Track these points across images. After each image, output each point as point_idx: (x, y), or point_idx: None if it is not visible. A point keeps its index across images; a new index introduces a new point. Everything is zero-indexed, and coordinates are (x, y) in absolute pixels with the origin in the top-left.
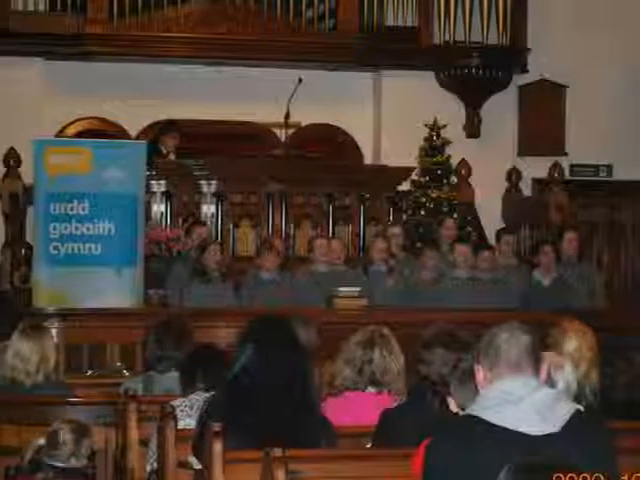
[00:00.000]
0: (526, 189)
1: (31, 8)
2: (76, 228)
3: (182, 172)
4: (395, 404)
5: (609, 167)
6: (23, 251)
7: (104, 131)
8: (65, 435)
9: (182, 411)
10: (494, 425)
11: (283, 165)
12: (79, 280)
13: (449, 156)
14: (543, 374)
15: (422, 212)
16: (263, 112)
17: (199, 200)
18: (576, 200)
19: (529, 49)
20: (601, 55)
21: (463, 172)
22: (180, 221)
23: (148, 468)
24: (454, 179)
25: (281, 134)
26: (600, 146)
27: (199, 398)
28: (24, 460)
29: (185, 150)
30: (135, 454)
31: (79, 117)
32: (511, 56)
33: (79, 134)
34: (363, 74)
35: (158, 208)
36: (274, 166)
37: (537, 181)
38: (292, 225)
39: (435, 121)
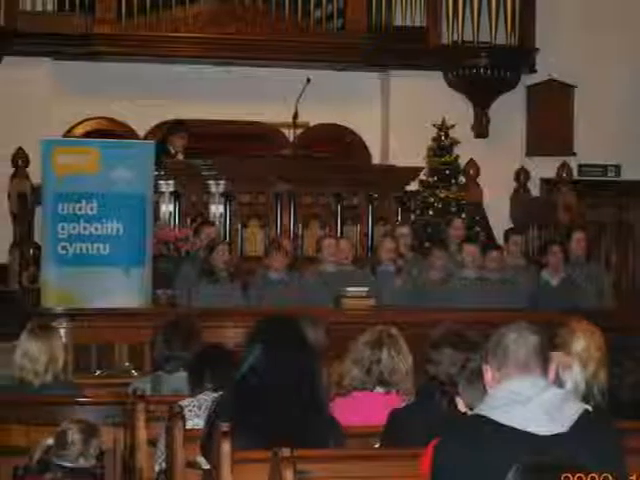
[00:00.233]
0: (534, 189)
1: (39, 8)
2: (84, 228)
3: (190, 172)
4: (403, 404)
5: (617, 167)
6: (31, 251)
7: (112, 131)
8: (74, 435)
9: (190, 411)
10: (502, 425)
11: (291, 165)
12: (87, 280)
13: (457, 156)
14: (551, 374)
15: (430, 212)
16: (271, 112)
17: (207, 200)
18: (584, 200)
19: (537, 49)
20: (609, 55)
21: (471, 172)
22: (188, 221)
23: (156, 468)
24: (462, 179)
25: (289, 134)
26: (608, 146)
27: (207, 398)
28: (33, 460)
29: (193, 150)
30: (143, 454)
31: (87, 117)
32: (519, 56)
33: (87, 134)
34: (371, 74)
35: (166, 208)
36: (282, 166)
37: (545, 181)
38: (300, 225)
39: (443, 121)
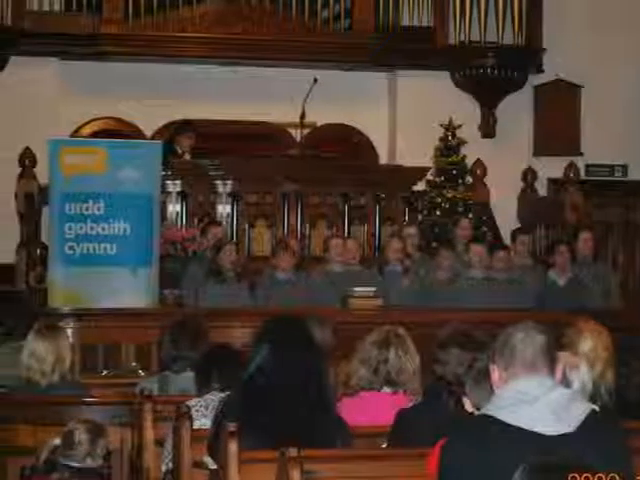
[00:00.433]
0: (541, 189)
1: (46, 8)
2: (91, 228)
3: (197, 172)
4: (410, 404)
5: (624, 167)
6: (38, 251)
7: (119, 131)
8: (81, 435)
9: (197, 411)
10: (509, 425)
11: (298, 165)
12: (94, 280)
13: (464, 156)
14: (558, 374)
15: (437, 212)
16: (278, 112)
17: (214, 200)
18: (591, 200)
19: (544, 49)
20: (617, 55)
21: (478, 172)
22: (195, 221)
23: (163, 468)
24: (469, 179)
25: (296, 134)
26: (615, 146)
27: (214, 398)
28: (40, 460)
29: (200, 150)
30: (150, 454)
31: (94, 117)
32: (527, 56)
33: (94, 134)
34: (378, 74)
35: (173, 208)
36: (289, 166)
37: (552, 181)
38: (307, 225)
39: (450, 121)
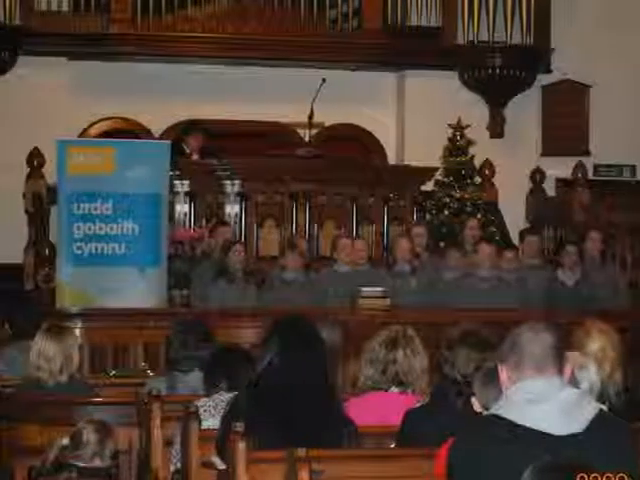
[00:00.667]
0: (550, 189)
1: (54, 8)
2: (100, 228)
3: (206, 172)
4: (418, 404)
5: (633, 167)
6: (47, 251)
7: (128, 131)
8: (89, 435)
9: (206, 411)
10: (518, 425)
11: (307, 165)
12: (103, 280)
13: (473, 156)
14: (567, 374)
15: (446, 212)
16: (287, 112)
17: (223, 200)
18: (600, 200)
19: (553, 49)
20: (625, 55)
21: (487, 172)
22: (204, 221)
23: (172, 468)
24: (478, 179)
25: (305, 134)
26: (624, 146)
27: (223, 398)
28: (47, 460)
29: (209, 150)
30: (159, 454)
31: (102, 117)
32: (535, 56)
33: (103, 134)
34: (387, 74)
35: (182, 208)
36: (298, 166)
37: (561, 181)
38: (316, 225)
39: (459, 121)
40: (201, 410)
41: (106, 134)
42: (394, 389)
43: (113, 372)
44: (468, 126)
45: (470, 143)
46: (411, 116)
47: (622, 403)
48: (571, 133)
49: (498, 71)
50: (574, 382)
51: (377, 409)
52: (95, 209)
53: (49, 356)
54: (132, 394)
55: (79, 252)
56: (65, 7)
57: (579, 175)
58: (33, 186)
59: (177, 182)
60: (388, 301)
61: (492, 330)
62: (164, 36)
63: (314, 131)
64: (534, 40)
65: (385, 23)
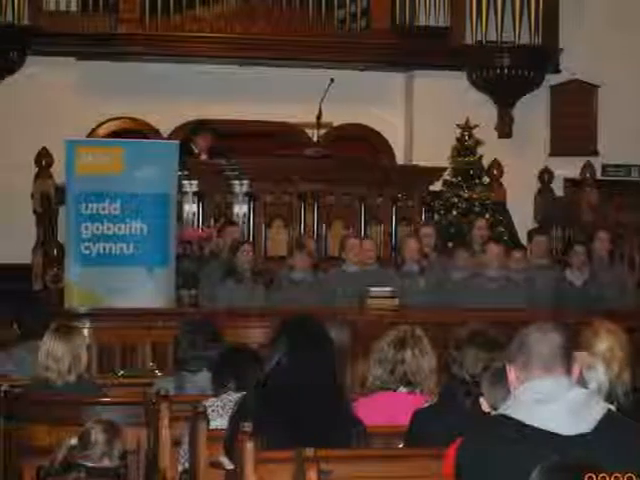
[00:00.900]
0: (558, 189)
1: (63, 8)
2: (108, 228)
3: (214, 172)
4: (427, 404)
5: None
6: (55, 251)
7: (136, 131)
8: (97, 435)
9: (214, 411)
10: (526, 425)
11: (315, 165)
12: (111, 280)
13: (481, 156)
14: (575, 374)
15: (454, 212)
16: (295, 112)
17: (231, 200)
18: (608, 200)
19: (561, 49)
20: (633, 55)
21: (495, 172)
22: (212, 221)
23: (180, 468)
24: (486, 179)
25: (313, 134)
26: (632, 146)
27: (231, 398)
28: (56, 460)
29: (217, 150)
30: (167, 454)
31: (111, 117)
32: (543, 56)
33: (111, 134)
34: (395, 74)
35: (190, 208)
36: (306, 166)
37: (569, 181)
38: (324, 225)
39: (467, 121)
40: (209, 410)
41: (114, 134)
42: (402, 389)
43: (121, 372)
44: (476, 126)
45: (478, 143)
46: (419, 116)
47: (630, 403)
48: (579, 133)
49: (506, 71)
50: (582, 382)
51: (385, 409)
52: (103, 209)
53: (57, 356)
54: (140, 394)
55: (87, 252)
56: (73, 7)
57: (587, 175)
58: (41, 186)
59: (185, 182)
60: (396, 301)
61: (500, 330)
62: (172, 36)
63: (322, 131)
64: (542, 40)
65: (393, 23)
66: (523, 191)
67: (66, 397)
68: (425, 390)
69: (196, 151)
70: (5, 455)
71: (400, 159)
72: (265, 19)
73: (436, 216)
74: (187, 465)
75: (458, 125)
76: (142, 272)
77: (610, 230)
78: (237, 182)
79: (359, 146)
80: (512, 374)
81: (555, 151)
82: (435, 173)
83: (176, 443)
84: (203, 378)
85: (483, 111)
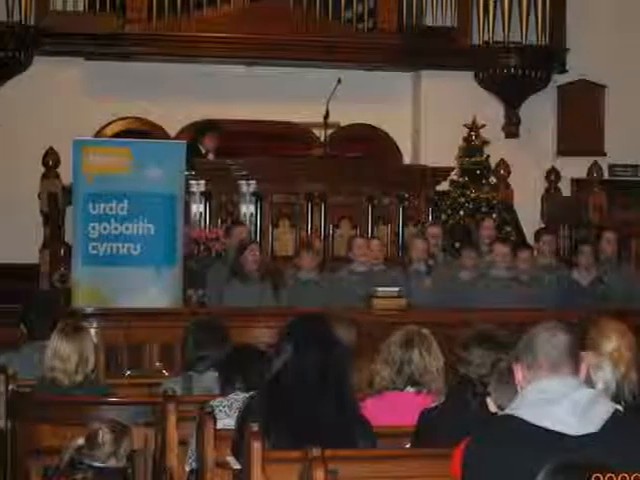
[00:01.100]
0: (565, 189)
1: (70, 8)
2: (115, 228)
3: (221, 172)
4: (434, 404)
5: None
6: (62, 251)
7: (143, 131)
8: (104, 435)
9: (221, 411)
10: (533, 425)
11: (322, 165)
12: (118, 280)
13: (488, 156)
14: (582, 374)
15: (461, 212)
16: (302, 112)
17: (238, 200)
18: (615, 200)
19: (568, 49)
20: None
21: (502, 172)
22: (219, 221)
23: (187, 468)
24: (493, 179)
25: (320, 134)
26: (639, 146)
27: (238, 398)
28: (63, 460)
29: (224, 150)
30: (174, 454)
31: (118, 117)
32: (550, 56)
33: (118, 134)
34: (402, 74)
35: (197, 208)
36: (313, 166)
37: (576, 181)
38: (331, 225)
39: (474, 121)
40: (216, 410)
41: (121, 134)
42: (410, 389)
43: (128, 372)
44: (483, 126)
45: (485, 143)
46: (426, 116)
47: (637, 403)
48: (586, 133)
49: (513, 71)
50: (589, 382)
51: (393, 409)
52: (110, 209)
53: (64, 356)
54: (147, 394)
55: (94, 252)
56: (81, 7)
57: (594, 175)
58: (48, 186)
59: (193, 182)
60: (404, 301)
61: (507, 330)
62: (180, 36)
63: (330, 131)
64: (549, 40)
65: (400, 23)
66: (530, 191)
67: (73, 397)
68: (432, 390)
69: (203, 151)
70: (12, 455)
71: (407, 159)
72: (272, 20)
73: (443, 216)
74: (194, 465)
75: (465, 125)
76: (149, 272)
77: (617, 230)
78: (244, 182)
79: (366, 146)
80: (519, 374)
81: (562, 151)
82: (442, 173)
83: (183, 443)
84: (210, 378)
85: (490, 111)
